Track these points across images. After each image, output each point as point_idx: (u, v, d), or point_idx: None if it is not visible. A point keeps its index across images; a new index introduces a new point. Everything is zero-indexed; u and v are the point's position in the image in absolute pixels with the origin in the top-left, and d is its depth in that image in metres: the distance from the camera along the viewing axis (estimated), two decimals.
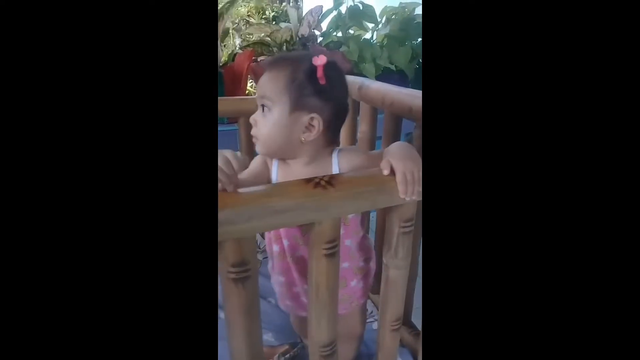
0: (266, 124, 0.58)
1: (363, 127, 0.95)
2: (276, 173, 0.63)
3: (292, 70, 0.57)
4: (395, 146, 0.53)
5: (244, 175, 0.64)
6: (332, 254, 0.47)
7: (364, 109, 0.93)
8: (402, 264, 0.56)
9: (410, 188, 0.46)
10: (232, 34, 1.86)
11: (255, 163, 0.65)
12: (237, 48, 1.70)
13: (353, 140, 1.01)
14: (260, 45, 1.55)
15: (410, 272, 0.58)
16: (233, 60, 1.51)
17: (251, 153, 0.95)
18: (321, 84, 0.57)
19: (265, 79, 0.59)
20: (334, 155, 0.62)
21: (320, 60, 0.57)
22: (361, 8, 1.50)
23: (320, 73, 0.56)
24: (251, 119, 0.60)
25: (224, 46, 1.63)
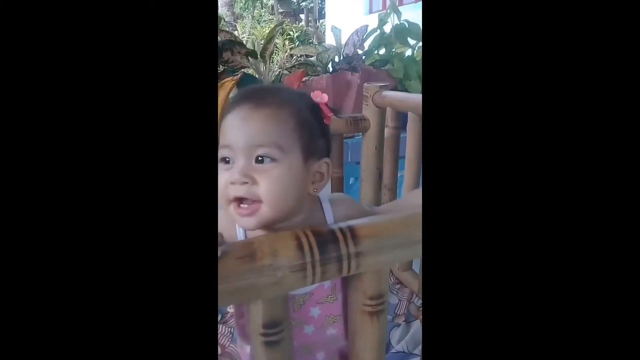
0: (276, 180, 0.43)
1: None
2: (243, 234, 0.49)
3: (295, 107, 0.46)
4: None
5: None
6: None
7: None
8: None
9: None
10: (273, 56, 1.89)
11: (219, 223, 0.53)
12: (278, 69, 1.73)
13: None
14: (306, 66, 1.57)
15: None
16: (280, 81, 1.52)
17: None
18: (325, 123, 0.48)
19: (257, 121, 0.44)
20: (324, 203, 0.52)
21: (321, 97, 0.48)
22: (407, 26, 1.50)
23: (327, 111, 0.48)
24: (240, 177, 0.42)
25: (265, 67, 1.66)
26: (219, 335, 0.90)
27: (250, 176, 0.42)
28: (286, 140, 0.44)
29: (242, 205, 0.43)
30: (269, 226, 0.45)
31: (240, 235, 0.49)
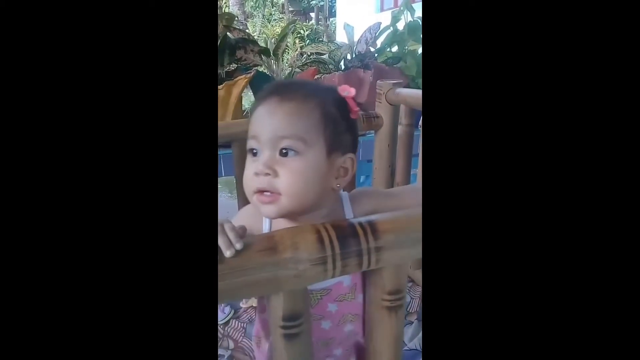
0: (297, 173, 0.43)
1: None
2: (269, 225, 0.51)
3: (320, 101, 0.46)
4: None
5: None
6: None
7: None
8: None
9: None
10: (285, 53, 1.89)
11: (250, 213, 0.52)
12: (288, 67, 1.73)
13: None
14: (318, 64, 1.57)
15: None
16: (292, 79, 1.53)
17: None
18: (352, 118, 0.49)
19: (282, 114, 0.44)
20: (344, 199, 0.52)
21: (348, 91, 0.48)
22: (420, 23, 1.50)
23: (354, 106, 0.48)
24: (263, 169, 0.43)
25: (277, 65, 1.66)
26: (232, 330, 0.91)
27: (272, 168, 0.43)
28: (310, 134, 0.44)
29: (264, 193, 0.44)
30: (290, 216, 0.46)
31: (265, 228, 0.51)
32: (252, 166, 0.45)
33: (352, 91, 0.48)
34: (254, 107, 0.48)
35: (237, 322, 0.93)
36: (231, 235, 0.34)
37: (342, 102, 0.48)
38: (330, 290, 0.51)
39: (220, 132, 0.99)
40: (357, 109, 0.48)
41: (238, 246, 0.33)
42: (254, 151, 0.46)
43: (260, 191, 0.44)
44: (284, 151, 0.44)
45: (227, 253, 0.33)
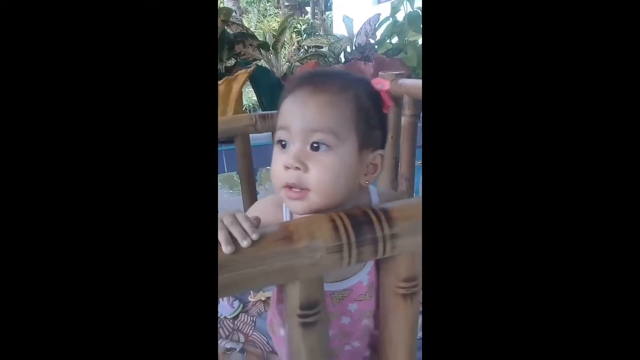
0: (328, 169, 0.42)
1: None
2: (290, 216, 0.50)
3: (355, 94, 0.44)
4: None
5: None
6: None
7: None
8: None
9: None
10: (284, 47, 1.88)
11: (264, 206, 0.51)
12: (285, 62, 1.72)
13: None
14: (317, 57, 1.56)
15: None
16: (292, 73, 1.52)
17: None
18: (384, 112, 0.47)
19: (316, 106, 0.42)
20: (372, 194, 0.51)
21: (383, 84, 0.47)
22: (420, 14, 1.49)
23: (388, 100, 0.47)
24: (293, 162, 0.42)
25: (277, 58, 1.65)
26: (241, 324, 0.91)
27: (302, 162, 0.42)
28: (342, 128, 0.43)
29: (293, 189, 0.43)
30: (318, 212, 0.44)
31: (286, 219, 0.50)
32: (281, 158, 0.43)
33: (386, 84, 0.47)
34: (283, 96, 0.46)
35: (246, 315, 0.93)
36: (246, 225, 0.34)
37: (375, 96, 0.47)
38: (351, 290, 0.51)
39: (222, 127, 0.99)
40: (390, 103, 0.47)
41: (254, 236, 0.33)
42: (283, 143, 0.44)
43: (289, 186, 0.43)
44: (315, 145, 0.42)
45: (244, 243, 0.33)
